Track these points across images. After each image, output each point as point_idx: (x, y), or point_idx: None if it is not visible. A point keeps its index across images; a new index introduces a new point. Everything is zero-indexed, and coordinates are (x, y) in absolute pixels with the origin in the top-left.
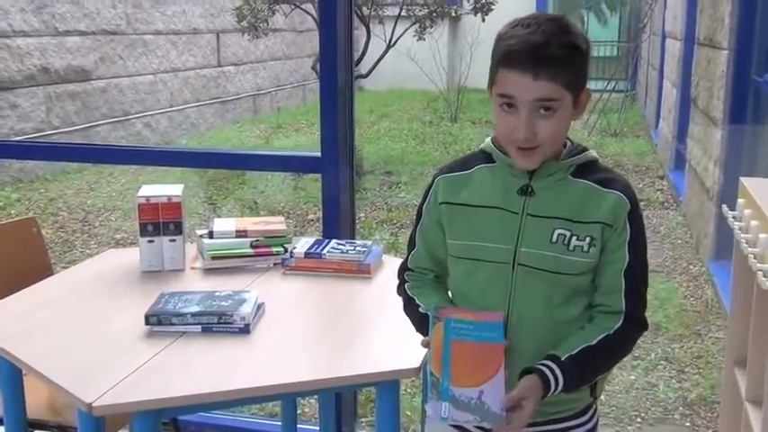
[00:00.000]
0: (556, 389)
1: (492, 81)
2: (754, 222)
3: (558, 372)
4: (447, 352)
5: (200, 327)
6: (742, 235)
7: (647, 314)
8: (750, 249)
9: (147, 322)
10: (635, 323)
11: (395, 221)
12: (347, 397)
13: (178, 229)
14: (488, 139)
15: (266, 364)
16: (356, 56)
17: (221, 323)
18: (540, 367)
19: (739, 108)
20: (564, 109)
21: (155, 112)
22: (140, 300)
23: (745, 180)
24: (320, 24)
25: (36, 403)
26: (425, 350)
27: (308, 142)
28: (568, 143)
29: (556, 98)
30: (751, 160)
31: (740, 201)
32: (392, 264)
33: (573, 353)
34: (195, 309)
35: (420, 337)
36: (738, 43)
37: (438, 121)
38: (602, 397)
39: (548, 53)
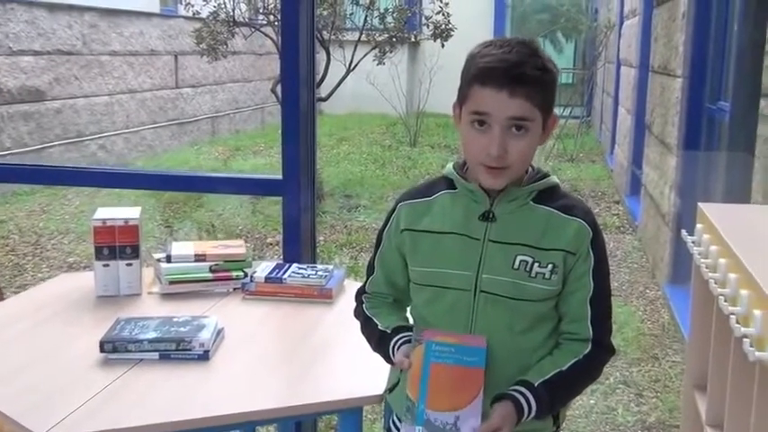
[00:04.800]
0: (529, 414)
1: (463, 99)
2: (713, 248)
3: (530, 397)
4: (425, 374)
5: (157, 354)
6: (702, 260)
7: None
8: (710, 274)
9: (102, 350)
10: (603, 348)
11: (354, 245)
12: (307, 426)
13: (135, 252)
14: (450, 165)
15: (226, 392)
16: (316, 79)
17: (179, 350)
18: (513, 393)
19: (693, 134)
20: (535, 130)
21: (110, 133)
22: (95, 326)
23: (703, 206)
24: (282, 47)
25: None
26: (388, 376)
27: (266, 165)
28: (530, 169)
29: (529, 118)
30: (706, 186)
31: (699, 226)
32: (354, 288)
33: (545, 378)
34: (152, 335)
35: (380, 359)
36: (692, 71)
37: (397, 145)
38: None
39: (524, 72)
